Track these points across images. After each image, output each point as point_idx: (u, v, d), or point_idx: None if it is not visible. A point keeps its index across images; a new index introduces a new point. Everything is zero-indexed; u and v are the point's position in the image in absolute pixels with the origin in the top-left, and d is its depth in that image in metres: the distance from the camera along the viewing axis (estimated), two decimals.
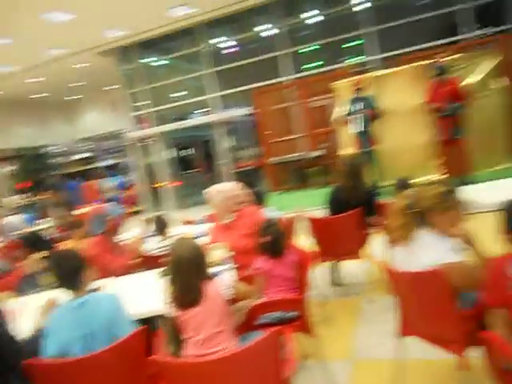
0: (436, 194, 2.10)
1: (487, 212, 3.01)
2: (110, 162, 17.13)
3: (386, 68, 8.24)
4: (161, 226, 3.62)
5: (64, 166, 18.14)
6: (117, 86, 16.16)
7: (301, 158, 8.85)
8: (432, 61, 6.49)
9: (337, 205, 3.95)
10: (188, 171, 14.11)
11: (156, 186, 12.23)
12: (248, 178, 7.47)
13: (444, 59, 6.42)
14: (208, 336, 2.03)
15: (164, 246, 3.43)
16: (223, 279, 2.22)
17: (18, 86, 13.63)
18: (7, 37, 9.32)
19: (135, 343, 1.93)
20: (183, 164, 14.58)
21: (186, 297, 2.04)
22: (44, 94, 16.06)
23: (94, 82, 15.11)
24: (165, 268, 3.02)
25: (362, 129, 6.53)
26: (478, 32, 9.30)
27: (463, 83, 6.53)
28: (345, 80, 7.69)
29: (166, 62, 12.62)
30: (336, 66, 10.06)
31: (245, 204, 3.27)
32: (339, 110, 7.39)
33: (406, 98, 7.28)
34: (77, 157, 19.26)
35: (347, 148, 7.62)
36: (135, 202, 12.81)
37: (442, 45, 9.14)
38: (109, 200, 13.95)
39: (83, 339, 1.99)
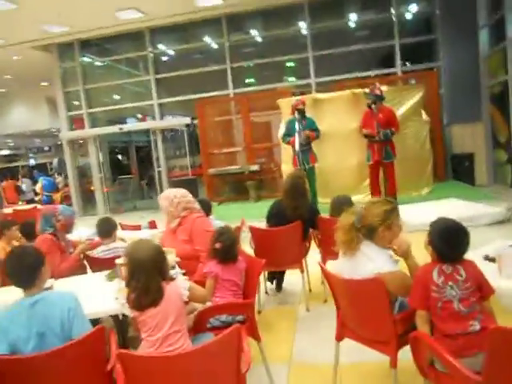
0: (382, 212, 2.35)
1: (415, 231, 3.41)
2: (38, 161, 16.27)
3: (324, 91, 8.77)
4: (109, 228, 3.60)
5: None
6: (45, 83, 15.56)
7: (239, 171, 9.06)
8: (368, 89, 6.99)
9: (278, 218, 4.13)
10: (122, 176, 13.82)
11: (90, 189, 11.82)
12: (187, 187, 7.49)
13: (378, 89, 6.95)
14: (165, 335, 2.10)
15: (112, 249, 3.42)
16: (179, 281, 2.30)
17: None
18: None
19: (95, 340, 1.96)
20: (117, 168, 14.26)
21: (147, 298, 2.10)
22: None
23: (27, 76, 14.31)
24: (111, 271, 3.03)
25: (303, 147, 6.84)
26: (408, 67, 10.19)
27: (394, 112, 7.10)
28: (289, 99, 8.04)
29: (106, 63, 12.33)
30: (278, 84, 10.47)
31: (193, 211, 3.36)
32: (283, 127, 7.72)
33: (342, 122, 7.78)
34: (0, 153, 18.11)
35: (288, 164, 7.97)
36: (67, 203, 12.26)
37: (376, 76, 9.92)
38: (30, 201, 13.22)
39: (36, 338, 1.98)
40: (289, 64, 11.04)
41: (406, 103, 7.82)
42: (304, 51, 10.39)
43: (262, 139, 9.87)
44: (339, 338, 2.58)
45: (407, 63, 10.32)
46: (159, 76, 11.25)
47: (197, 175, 10.25)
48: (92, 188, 11.75)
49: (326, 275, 2.58)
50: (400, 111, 7.63)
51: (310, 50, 10.34)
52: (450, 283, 2.01)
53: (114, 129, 11.41)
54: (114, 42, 11.56)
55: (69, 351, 1.85)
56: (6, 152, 20.62)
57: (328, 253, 4.10)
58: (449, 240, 2.08)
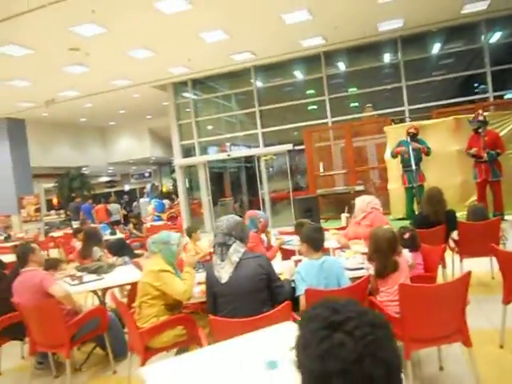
0: None
1: None
2: (132, 186, 18.18)
3: (425, 118, 9.61)
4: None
5: (95, 187, 19.11)
6: (150, 117, 17.50)
7: (346, 191, 10.00)
8: (473, 115, 7.76)
9: (423, 223, 5.02)
10: (222, 199, 15.17)
11: (199, 210, 13.25)
12: (309, 203, 8.57)
13: (481, 115, 7.70)
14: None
15: None
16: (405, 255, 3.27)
17: (71, 110, 14.77)
18: (85, 64, 10.38)
19: (363, 286, 2.98)
20: (216, 192, 15.57)
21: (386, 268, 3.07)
22: (83, 119, 17.21)
23: (137, 110, 16.30)
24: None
25: (414, 166, 7.71)
26: (495, 93, 10.81)
27: (499, 136, 7.80)
28: (395, 126, 8.95)
29: (211, 99, 13.91)
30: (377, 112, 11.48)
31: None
32: (389, 151, 8.64)
33: (446, 145, 8.56)
34: (105, 179, 20.22)
35: (394, 183, 8.83)
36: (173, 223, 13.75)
37: (464, 102, 10.63)
38: (115, 222, 14.63)
39: (323, 284, 3.02)
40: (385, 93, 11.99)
41: (507, 127, 8.46)
42: (397, 81, 11.34)
43: (359, 162, 10.81)
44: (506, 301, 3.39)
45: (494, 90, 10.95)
46: (262, 108, 12.58)
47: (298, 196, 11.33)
48: (202, 211, 13.14)
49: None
50: (501, 133, 8.28)
51: (403, 79, 11.25)
52: None
53: (223, 155, 12.81)
54: (221, 79, 13.11)
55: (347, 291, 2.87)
56: (106, 178, 23.02)
57: (465, 252, 4.94)
58: None
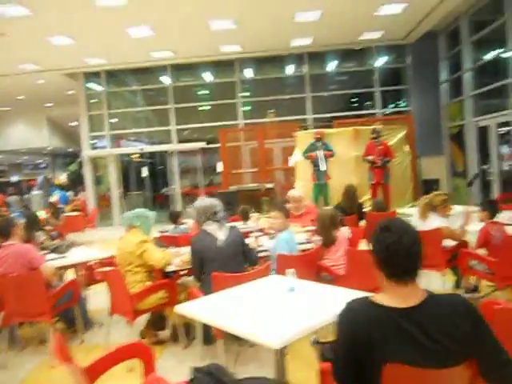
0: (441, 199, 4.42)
1: None
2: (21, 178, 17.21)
3: (326, 127, 10.99)
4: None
5: None
6: (50, 105, 16.73)
7: (256, 188, 10.93)
8: (373, 126, 9.25)
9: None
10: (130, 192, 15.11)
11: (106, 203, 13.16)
12: (226, 198, 9.33)
13: (379, 126, 9.22)
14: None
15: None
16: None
17: None
18: None
19: (316, 253, 3.80)
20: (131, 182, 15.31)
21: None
22: None
23: (38, 97, 15.44)
24: None
25: (324, 167, 8.95)
26: (387, 109, 12.73)
27: (390, 146, 9.38)
28: (304, 131, 10.15)
29: (126, 93, 13.91)
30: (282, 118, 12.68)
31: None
32: (297, 154, 9.80)
33: (346, 151, 9.96)
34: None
35: (302, 181, 10.00)
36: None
37: (357, 115, 12.36)
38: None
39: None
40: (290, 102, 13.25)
41: (393, 139, 10.14)
42: (302, 91, 12.67)
43: (269, 163, 11.87)
44: None
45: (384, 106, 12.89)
46: (177, 105, 13.00)
47: (210, 192, 12.01)
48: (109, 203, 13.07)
49: None
50: (389, 144, 9.92)
51: (307, 90, 12.61)
52: None
53: (135, 149, 12.93)
54: (137, 73, 13.22)
55: (304, 257, 3.69)
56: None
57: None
58: None
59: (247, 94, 13.11)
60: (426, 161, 11.77)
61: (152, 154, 14.44)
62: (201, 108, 13.66)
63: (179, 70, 13.12)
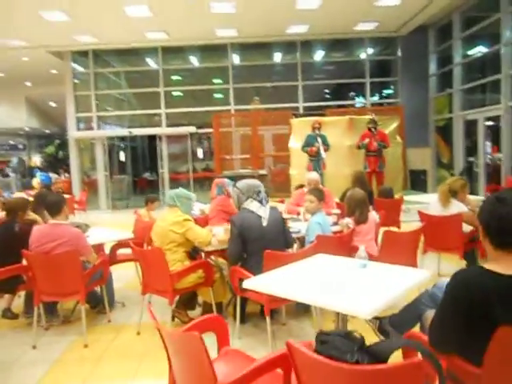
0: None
1: None
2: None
3: (319, 115, 11.08)
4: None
5: None
6: (29, 84, 16.12)
7: (250, 174, 10.93)
8: (369, 115, 9.40)
9: None
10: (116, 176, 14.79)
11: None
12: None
13: (374, 115, 9.40)
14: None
15: None
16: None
17: None
18: None
19: (350, 235, 3.90)
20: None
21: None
22: None
23: (16, 75, 14.80)
24: None
25: (322, 157, 9.02)
26: (375, 100, 12.95)
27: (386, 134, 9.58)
28: (301, 119, 10.20)
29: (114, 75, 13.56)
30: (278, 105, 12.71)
31: None
32: (297, 141, 9.85)
33: (341, 140, 10.09)
34: None
35: (297, 169, 10.07)
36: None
37: (348, 105, 12.53)
38: None
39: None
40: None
41: (385, 129, 10.34)
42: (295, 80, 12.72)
43: (260, 149, 11.91)
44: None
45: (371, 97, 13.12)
46: (166, 89, 12.80)
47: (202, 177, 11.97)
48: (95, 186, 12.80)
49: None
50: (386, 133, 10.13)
51: (299, 79, 12.67)
52: None
53: (124, 132, 12.67)
54: (125, 55, 12.91)
55: (340, 238, 3.79)
56: None
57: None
58: None
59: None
60: (413, 151, 12.07)
61: (133, 138, 14.12)
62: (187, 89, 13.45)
63: (169, 53, 12.90)
